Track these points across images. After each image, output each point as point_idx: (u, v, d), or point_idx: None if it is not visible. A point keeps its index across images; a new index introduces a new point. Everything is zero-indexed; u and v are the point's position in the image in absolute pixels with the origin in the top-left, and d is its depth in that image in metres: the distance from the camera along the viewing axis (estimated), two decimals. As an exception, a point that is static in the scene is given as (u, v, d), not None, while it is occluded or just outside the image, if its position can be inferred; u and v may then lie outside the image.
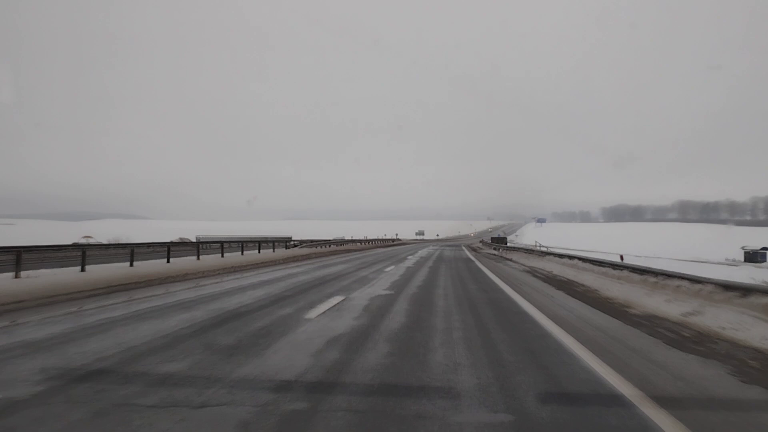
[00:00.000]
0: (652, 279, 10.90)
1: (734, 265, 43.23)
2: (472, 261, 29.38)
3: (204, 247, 25.45)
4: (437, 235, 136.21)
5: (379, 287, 12.72)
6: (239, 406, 3.87)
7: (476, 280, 15.59)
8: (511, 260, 30.47)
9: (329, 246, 43.32)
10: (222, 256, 23.28)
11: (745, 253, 54.38)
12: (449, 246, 63.80)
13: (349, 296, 10.75)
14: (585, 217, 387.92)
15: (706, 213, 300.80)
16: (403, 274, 18.32)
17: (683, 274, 10.10)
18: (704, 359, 5.61)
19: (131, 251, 17.36)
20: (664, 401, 4.13)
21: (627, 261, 20.99)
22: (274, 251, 30.28)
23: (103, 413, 3.73)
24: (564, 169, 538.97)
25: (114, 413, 3.73)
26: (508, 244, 54.01)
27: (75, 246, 18.18)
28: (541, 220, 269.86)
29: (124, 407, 3.84)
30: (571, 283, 14.54)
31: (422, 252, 41.42)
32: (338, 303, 9.67)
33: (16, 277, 12.01)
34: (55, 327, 6.95)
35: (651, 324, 7.76)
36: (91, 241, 53.35)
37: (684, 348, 6.14)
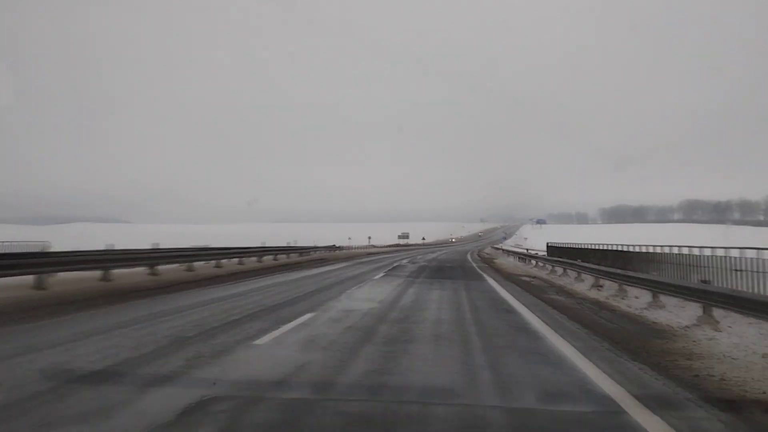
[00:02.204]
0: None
1: None
2: None
3: None
4: (423, 239, 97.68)
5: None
6: None
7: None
8: None
9: None
10: None
11: None
12: (441, 280, 18.38)
13: None
14: (582, 219, 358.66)
15: (717, 213, 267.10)
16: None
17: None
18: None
19: None
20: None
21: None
22: None
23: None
24: (560, 170, 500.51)
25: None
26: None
27: None
28: (540, 221, 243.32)
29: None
30: None
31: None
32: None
33: None
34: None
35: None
36: None
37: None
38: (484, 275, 20.38)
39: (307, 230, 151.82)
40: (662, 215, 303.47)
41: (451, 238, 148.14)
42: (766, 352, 6.32)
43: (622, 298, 12.17)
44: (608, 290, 13.59)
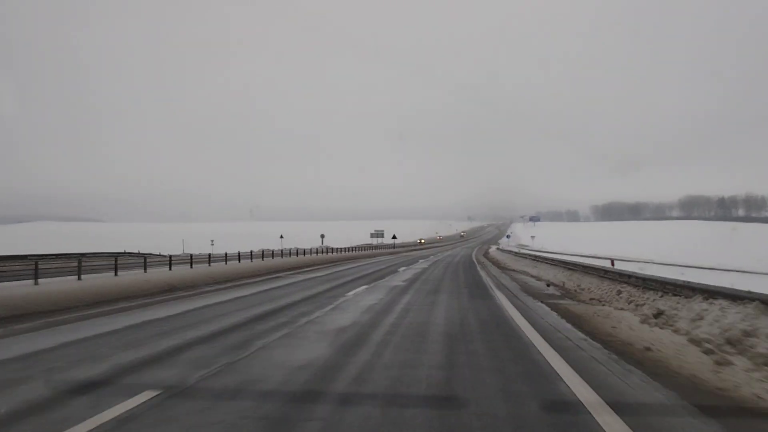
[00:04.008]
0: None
1: None
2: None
3: None
4: (393, 239, 69.38)
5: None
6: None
7: None
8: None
9: None
10: None
11: None
12: None
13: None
14: (573, 217, 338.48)
15: (722, 209, 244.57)
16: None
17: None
18: None
19: None
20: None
21: None
22: None
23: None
24: (550, 168, 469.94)
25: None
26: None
27: None
28: (534, 218, 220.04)
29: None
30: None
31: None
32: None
33: None
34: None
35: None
36: None
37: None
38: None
39: (285, 229, 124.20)
40: (660, 212, 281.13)
41: (419, 239, 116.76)
42: None
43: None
44: None
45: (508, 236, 71.21)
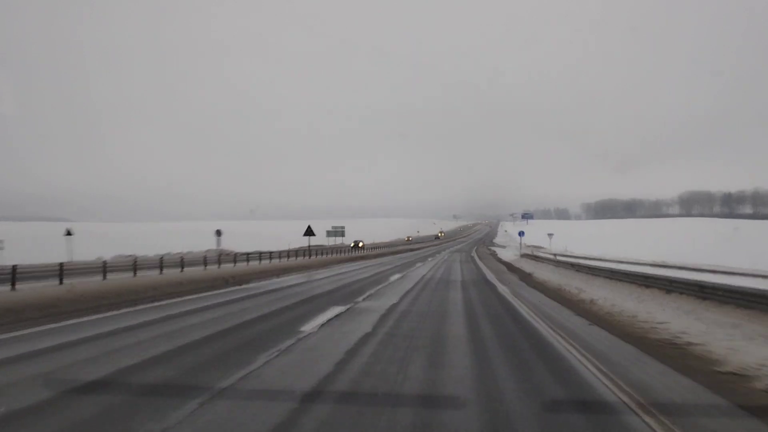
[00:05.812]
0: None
1: None
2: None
3: None
4: (309, 234, 42.57)
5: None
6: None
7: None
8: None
9: None
10: None
11: None
12: None
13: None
14: (562, 215, 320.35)
15: (728, 206, 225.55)
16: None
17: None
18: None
19: None
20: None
21: None
22: None
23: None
24: (538, 164, 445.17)
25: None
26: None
27: None
28: (527, 216, 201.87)
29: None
30: None
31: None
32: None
33: None
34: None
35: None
36: None
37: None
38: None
39: (282, 229, 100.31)
40: (656, 209, 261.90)
41: (356, 242, 68.44)
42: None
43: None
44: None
45: (521, 233, 46.96)
